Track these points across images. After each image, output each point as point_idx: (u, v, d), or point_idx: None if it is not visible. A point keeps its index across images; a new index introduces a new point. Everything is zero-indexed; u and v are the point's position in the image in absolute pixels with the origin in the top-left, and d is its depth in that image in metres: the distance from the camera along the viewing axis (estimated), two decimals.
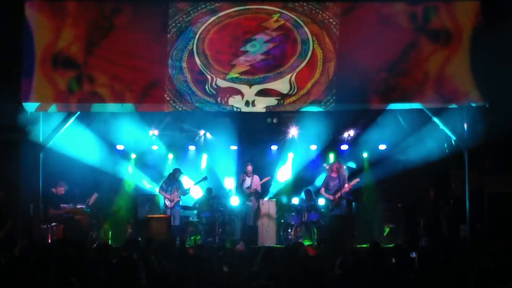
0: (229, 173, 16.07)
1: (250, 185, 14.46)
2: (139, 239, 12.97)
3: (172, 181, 14.16)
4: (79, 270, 6.35)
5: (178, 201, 14.04)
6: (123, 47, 12.04)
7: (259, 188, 14.58)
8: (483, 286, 5.28)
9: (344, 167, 14.34)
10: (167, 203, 13.93)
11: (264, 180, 14.71)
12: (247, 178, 14.55)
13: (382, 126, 14.32)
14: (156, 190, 14.87)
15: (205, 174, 14.98)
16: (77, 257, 6.80)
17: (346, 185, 13.62)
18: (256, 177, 14.61)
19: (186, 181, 14.95)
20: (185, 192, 14.33)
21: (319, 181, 15.13)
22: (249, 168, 14.60)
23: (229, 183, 15.82)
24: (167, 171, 15.08)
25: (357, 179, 13.81)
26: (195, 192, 15.42)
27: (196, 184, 14.65)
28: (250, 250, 11.02)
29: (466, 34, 12.12)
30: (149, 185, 15.58)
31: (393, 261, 7.71)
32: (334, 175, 13.61)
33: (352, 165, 15.23)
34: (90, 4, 12.19)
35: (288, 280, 5.79)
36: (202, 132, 15.78)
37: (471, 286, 5.39)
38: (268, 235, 13.97)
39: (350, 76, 12.11)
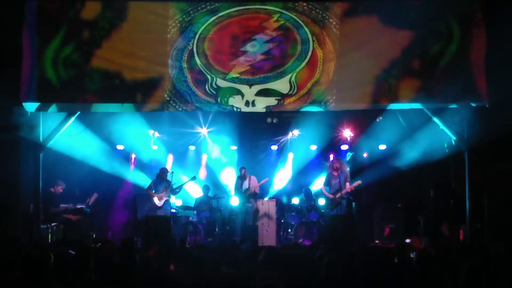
0: (229, 173, 16.08)
1: (249, 187, 14.48)
2: (139, 239, 12.99)
3: (160, 181, 14.15)
4: (79, 270, 6.34)
5: (167, 200, 14.04)
6: (123, 47, 12.02)
7: (257, 190, 14.59)
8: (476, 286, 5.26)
9: (345, 164, 14.25)
10: (156, 202, 13.93)
11: (262, 182, 14.73)
12: (244, 181, 14.59)
13: (382, 126, 14.32)
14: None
15: (193, 174, 14.95)
16: (77, 257, 6.79)
17: (347, 184, 13.57)
18: (253, 179, 14.64)
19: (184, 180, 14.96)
20: (175, 192, 14.30)
21: (319, 181, 15.13)
22: (243, 171, 14.65)
23: (229, 183, 15.82)
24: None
25: (359, 182, 13.64)
26: (195, 192, 15.42)
27: (184, 184, 14.61)
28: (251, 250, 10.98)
29: (467, 34, 12.12)
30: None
31: (396, 261, 7.68)
32: (335, 173, 13.57)
33: (350, 155, 15.17)
34: (90, 4, 12.18)
35: (287, 280, 5.79)
36: (202, 132, 15.78)
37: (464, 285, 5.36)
38: (268, 235, 13.99)
39: (350, 76, 12.11)
